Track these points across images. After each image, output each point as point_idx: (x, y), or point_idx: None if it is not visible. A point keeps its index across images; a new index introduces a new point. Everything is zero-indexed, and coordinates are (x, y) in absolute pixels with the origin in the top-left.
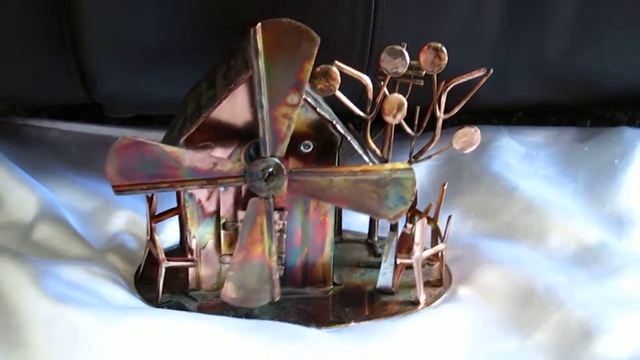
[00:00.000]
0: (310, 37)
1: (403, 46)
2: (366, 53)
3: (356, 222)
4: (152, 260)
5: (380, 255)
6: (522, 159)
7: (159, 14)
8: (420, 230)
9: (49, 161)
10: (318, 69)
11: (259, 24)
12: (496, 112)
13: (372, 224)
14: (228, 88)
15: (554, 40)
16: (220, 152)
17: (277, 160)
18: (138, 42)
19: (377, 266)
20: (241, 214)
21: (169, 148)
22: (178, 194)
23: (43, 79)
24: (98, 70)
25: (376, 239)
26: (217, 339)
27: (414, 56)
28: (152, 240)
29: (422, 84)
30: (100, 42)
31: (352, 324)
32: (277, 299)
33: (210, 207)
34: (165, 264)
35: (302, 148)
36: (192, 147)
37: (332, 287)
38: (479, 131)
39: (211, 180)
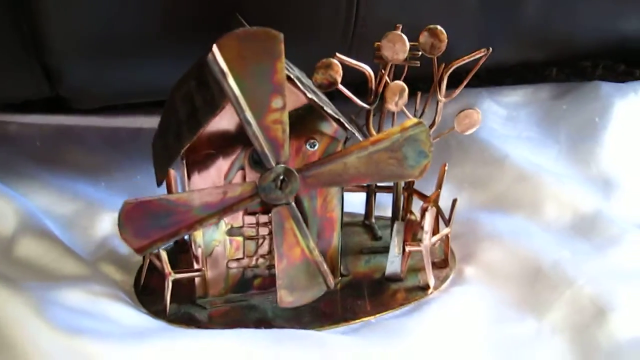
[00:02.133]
0: (271, 36)
1: (398, 28)
2: (350, 29)
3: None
4: (150, 266)
5: (380, 238)
6: (505, 122)
7: (125, 1)
8: (430, 219)
9: (13, 160)
10: (319, 64)
11: (214, 46)
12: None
13: (368, 204)
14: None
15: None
16: (223, 159)
17: (283, 166)
18: (104, 30)
19: (381, 251)
20: (248, 218)
21: (173, 196)
22: None
23: (2, 75)
24: (63, 63)
25: (373, 220)
26: (244, 356)
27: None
28: (155, 253)
29: (418, 64)
30: (64, 32)
31: (368, 319)
32: (332, 286)
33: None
34: (172, 277)
35: (307, 147)
36: (193, 156)
37: (339, 279)
38: (480, 112)
39: (227, 209)
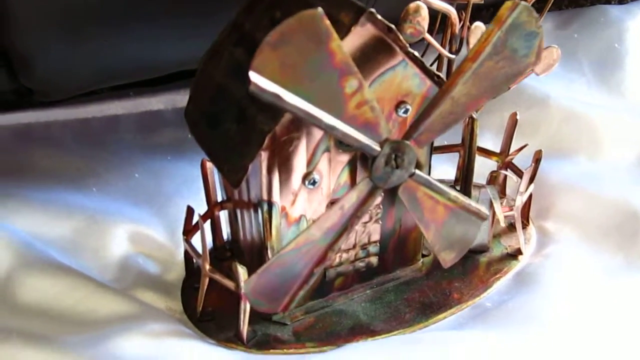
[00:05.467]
0: (307, 22)
1: None
2: None
3: None
4: (191, 285)
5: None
6: None
7: None
8: (527, 179)
9: None
10: (405, 11)
11: (250, 74)
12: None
13: None
14: None
15: None
16: (305, 143)
17: (389, 144)
18: (72, 11)
19: None
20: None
21: (290, 245)
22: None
23: None
24: (30, 45)
25: None
26: None
27: None
28: (217, 269)
29: (482, 1)
30: (29, 5)
31: (474, 301)
32: (487, 216)
33: (296, 212)
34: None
35: (400, 114)
36: (272, 146)
37: (421, 260)
38: (559, 50)
39: (352, 220)
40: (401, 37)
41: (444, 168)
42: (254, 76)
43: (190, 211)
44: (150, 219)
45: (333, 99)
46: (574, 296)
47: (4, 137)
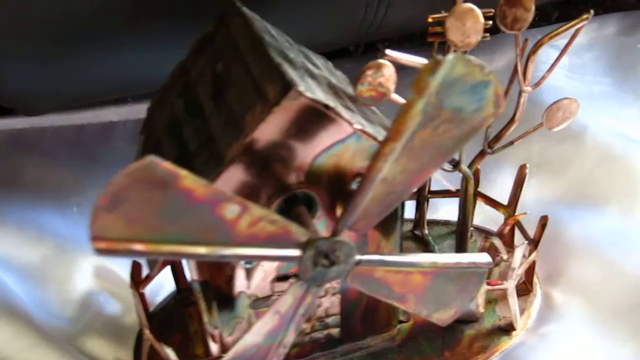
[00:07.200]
0: (142, 170)
1: None
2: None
3: None
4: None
5: None
6: (570, 74)
7: None
8: (520, 255)
9: None
10: (362, 71)
11: (95, 242)
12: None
13: (419, 208)
14: (238, 140)
15: None
16: None
17: (313, 242)
18: (57, 12)
19: None
20: (278, 285)
21: (231, 353)
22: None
23: None
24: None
25: (426, 230)
26: None
27: None
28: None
29: (488, 38)
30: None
31: None
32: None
33: (231, 288)
34: None
35: (353, 186)
36: None
37: (398, 327)
38: (576, 101)
39: (296, 321)
40: (343, 114)
41: (450, 207)
42: (97, 243)
43: (136, 266)
44: None
45: (214, 229)
46: None
47: None
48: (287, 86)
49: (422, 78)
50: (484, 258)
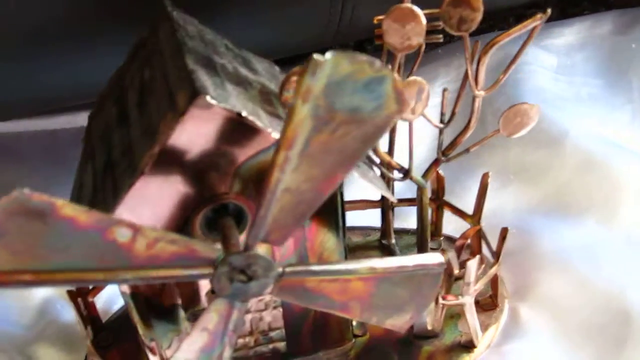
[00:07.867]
0: (13, 204)
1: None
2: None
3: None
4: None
5: None
6: (557, 76)
7: None
8: (474, 269)
9: None
10: (289, 75)
11: None
12: (509, 9)
13: (385, 221)
14: (149, 151)
15: None
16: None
17: (225, 258)
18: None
19: None
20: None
21: None
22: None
23: None
24: None
25: (393, 240)
26: None
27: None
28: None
29: (441, 39)
30: None
31: None
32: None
33: (166, 300)
34: None
35: None
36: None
37: (353, 341)
38: (536, 106)
39: (229, 336)
40: (258, 123)
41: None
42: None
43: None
44: None
45: (110, 254)
46: None
47: None
48: (194, 94)
49: (302, 81)
50: (435, 259)
